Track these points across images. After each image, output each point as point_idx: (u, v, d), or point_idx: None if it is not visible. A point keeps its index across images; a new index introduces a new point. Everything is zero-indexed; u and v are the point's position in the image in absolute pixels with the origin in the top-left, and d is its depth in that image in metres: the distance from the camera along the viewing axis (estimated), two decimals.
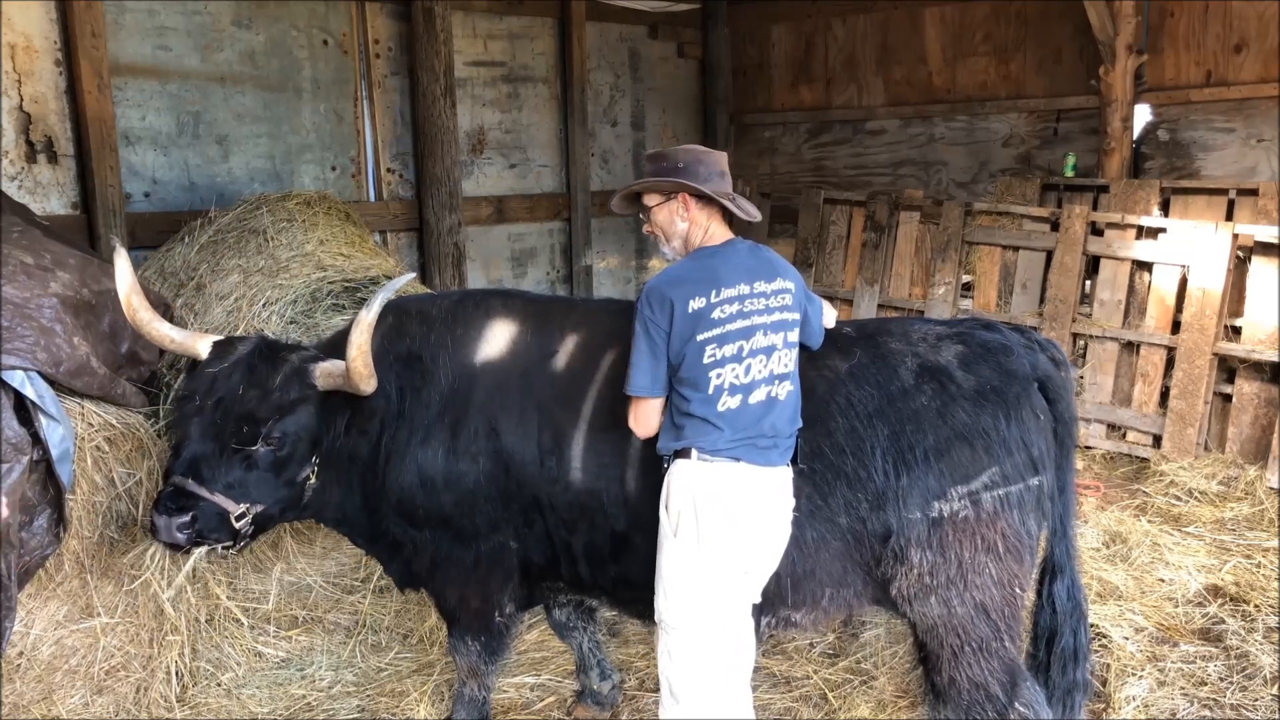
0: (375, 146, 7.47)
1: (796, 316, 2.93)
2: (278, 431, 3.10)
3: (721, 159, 3.00)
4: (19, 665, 3.54)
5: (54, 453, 3.45)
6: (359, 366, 3.03)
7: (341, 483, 3.39)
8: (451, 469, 3.20)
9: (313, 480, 3.24)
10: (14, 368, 3.38)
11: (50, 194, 5.87)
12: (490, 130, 8.27)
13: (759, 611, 3.01)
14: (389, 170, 7.59)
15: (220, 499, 3.04)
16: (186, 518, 3.02)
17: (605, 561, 3.18)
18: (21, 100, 5.72)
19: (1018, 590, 2.95)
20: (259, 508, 3.12)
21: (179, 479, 3.05)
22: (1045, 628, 3.16)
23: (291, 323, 4.96)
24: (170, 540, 3.05)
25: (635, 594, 3.05)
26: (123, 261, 3.24)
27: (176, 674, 3.87)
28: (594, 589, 3.32)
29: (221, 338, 3.31)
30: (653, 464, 2.95)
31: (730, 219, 3.03)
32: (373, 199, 7.50)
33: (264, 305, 4.98)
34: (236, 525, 3.08)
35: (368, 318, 3.00)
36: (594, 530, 3.14)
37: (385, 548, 3.47)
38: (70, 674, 3.62)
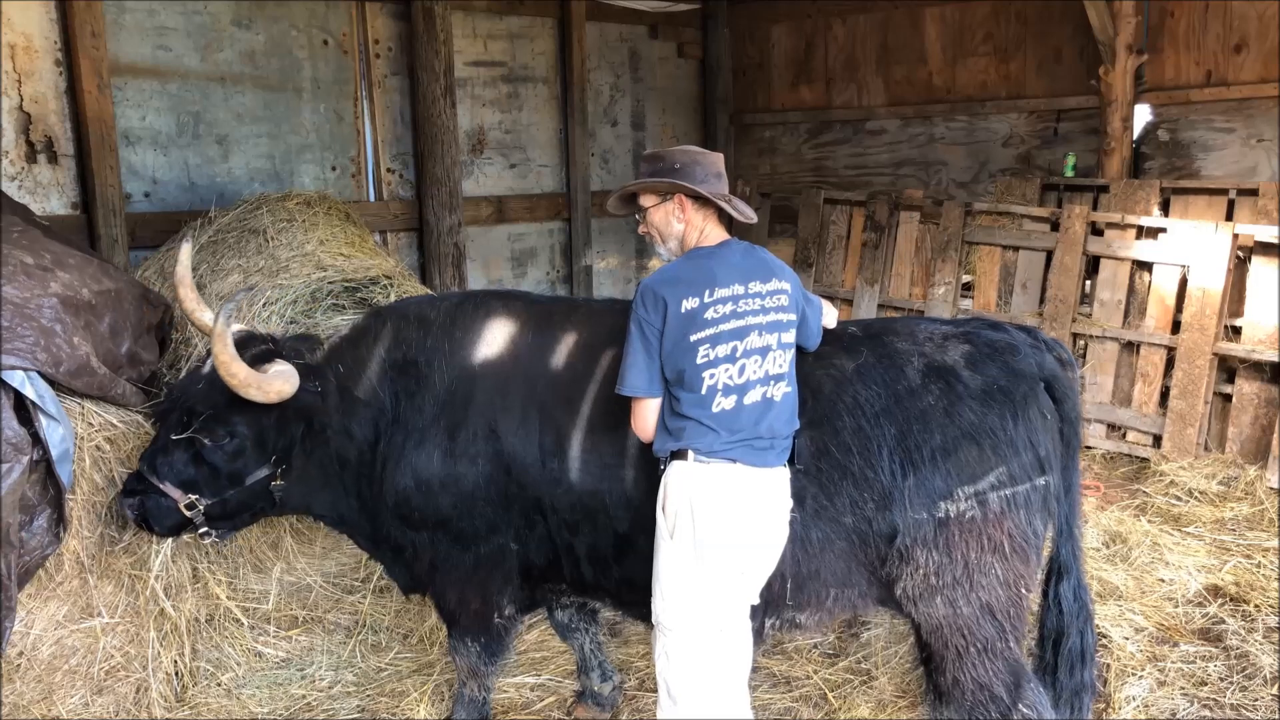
0: (375, 146, 7.47)
1: (793, 317, 2.92)
2: (209, 429, 3.25)
3: (718, 160, 2.99)
4: (19, 665, 3.54)
5: (54, 453, 3.45)
6: (227, 376, 3.08)
7: (332, 486, 3.44)
8: (449, 471, 3.20)
9: (279, 482, 3.33)
10: (14, 368, 3.38)
11: (50, 194, 5.87)
12: (490, 130, 8.27)
13: (763, 613, 3.01)
14: (389, 170, 7.59)
15: (168, 488, 3.30)
16: (133, 500, 3.36)
17: (609, 563, 3.18)
18: (21, 100, 5.72)
19: (1023, 591, 2.94)
20: (207, 501, 3.32)
21: (140, 465, 3.39)
22: (1052, 629, 3.15)
23: (291, 323, 4.96)
24: (123, 514, 3.42)
25: (639, 596, 3.03)
26: (186, 252, 3.55)
27: (176, 674, 3.88)
28: (597, 591, 3.31)
29: (244, 331, 3.44)
30: (656, 465, 2.94)
31: (728, 221, 3.02)
32: (373, 199, 7.50)
33: (264, 305, 4.98)
34: (187, 514, 3.31)
35: (216, 328, 3.06)
36: (597, 532, 3.13)
37: (389, 550, 3.48)
38: (70, 674, 3.62)
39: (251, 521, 3.66)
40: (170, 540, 3.74)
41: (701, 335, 2.76)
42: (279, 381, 3.16)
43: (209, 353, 3.38)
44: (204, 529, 3.39)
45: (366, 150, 7.43)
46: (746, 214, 2.98)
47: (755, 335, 2.81)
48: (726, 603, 2.81)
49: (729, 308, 2.79)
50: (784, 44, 9.71)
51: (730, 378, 2.78)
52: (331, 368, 3.41)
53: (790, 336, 2.91)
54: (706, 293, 2.78)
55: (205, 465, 3.29)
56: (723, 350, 2.77)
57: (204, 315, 3.57)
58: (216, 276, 5.23)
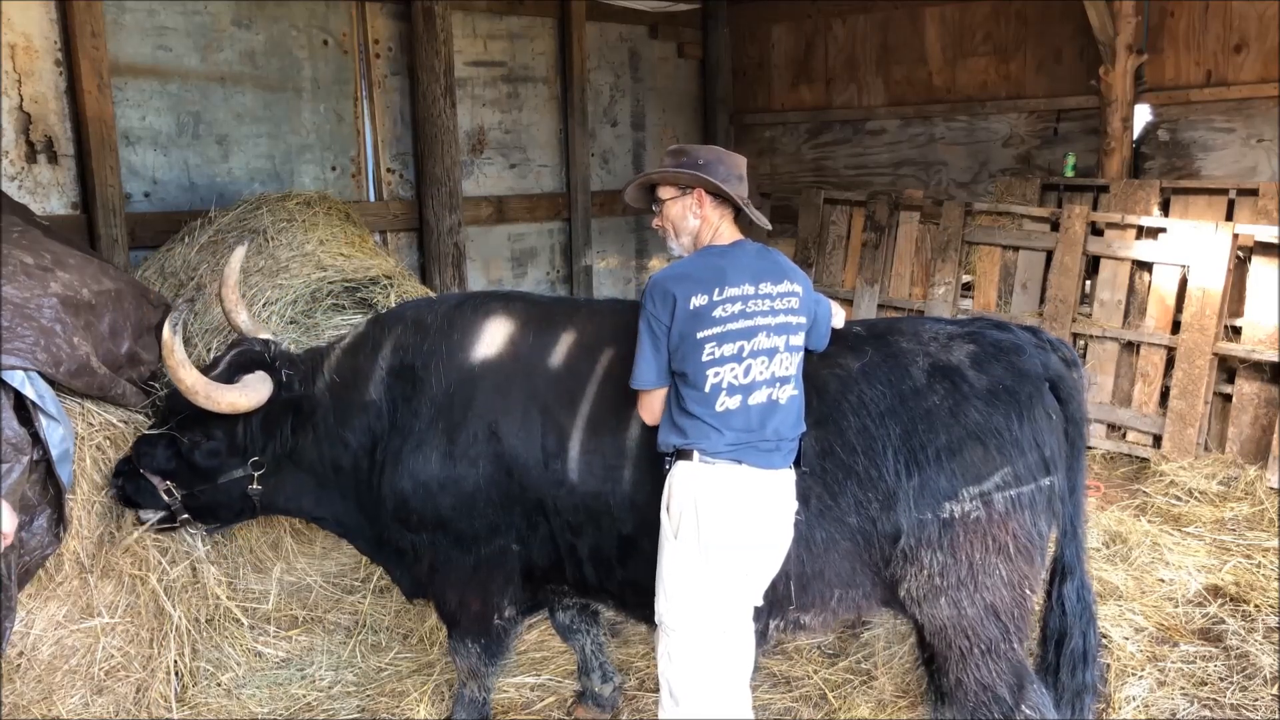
0: (375, 146, 7.46)
1: (802, 320, 2.91)
2: (185, 428, 3.42)
3: (741, 163, 3.00)
4: (19, 665, 3.54)
5: (54, 453, 3.45)
6: (175, 381, 3.23)
7: (327, 489, 3.49)
8: (449, 473, 3.20)
9: (256, 486, 3.43)
10: (14, 368, 3.38)
11: (50, 194, 5.87)
12: (490, 130, 8.27)
13: (767, 614, 3.00)
14: (389, 170, 7.58)
15: (147, 473, 3.52)
16: (119, 480, 3.61)
17: (612, 565, 3.17)
18: (21, 100, 5.71)
19: (1027, 592, 2.94)
20: (182, 491, 3.51)
21: (130, 451, 3.61)
22: (1055, 629, 3.14)
23: (291, 323, 4.96)
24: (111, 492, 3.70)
25: (643, 599, 3.02)
26: (238, 255, 3.76)
27: (176, 674, 3.87)
28: (601, 593, 3.31)
29: (264, 339, 3.59)
30: (660, 466, 2.93)
31: (745, 223, 3.03)
32: (373, 199, 7.49)
33: (264, 305, 4.98)
34: (165, 499, 3.52)
35: (164, 335, 3.18)
36: (600, 533, 3.13)
37: (391, 554, 3.49)
38: (70, 674, 3.61)
39: (234, 520, 3.77)
40: (151, 530, 3.78)
41: (708, 333, 2.75)
42: (233, 393, 3.27)
43: (217, 358, 3.47)
44: (184, 516, 3.57)
45: (366, 150, 7.42)
46: (762, 220, 3.03)
47: (763, 336, 2.80)
48: (730, 604, 2.81)
49: (738, 307, 2.79)
50: (784, 44, 9.71)
51: (735, 377, 2.77)
52: (327, 379, 3.44)
53: (799, 339, 2.90)
54: (716, 291, 2.78)
55: (181, 460, 3.48)
56: (729, 349, 2.76)
57: (240, 317, 3.73)
58: (217, 276, 5.22)
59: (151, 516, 3.65)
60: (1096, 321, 6.60)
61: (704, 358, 2.76)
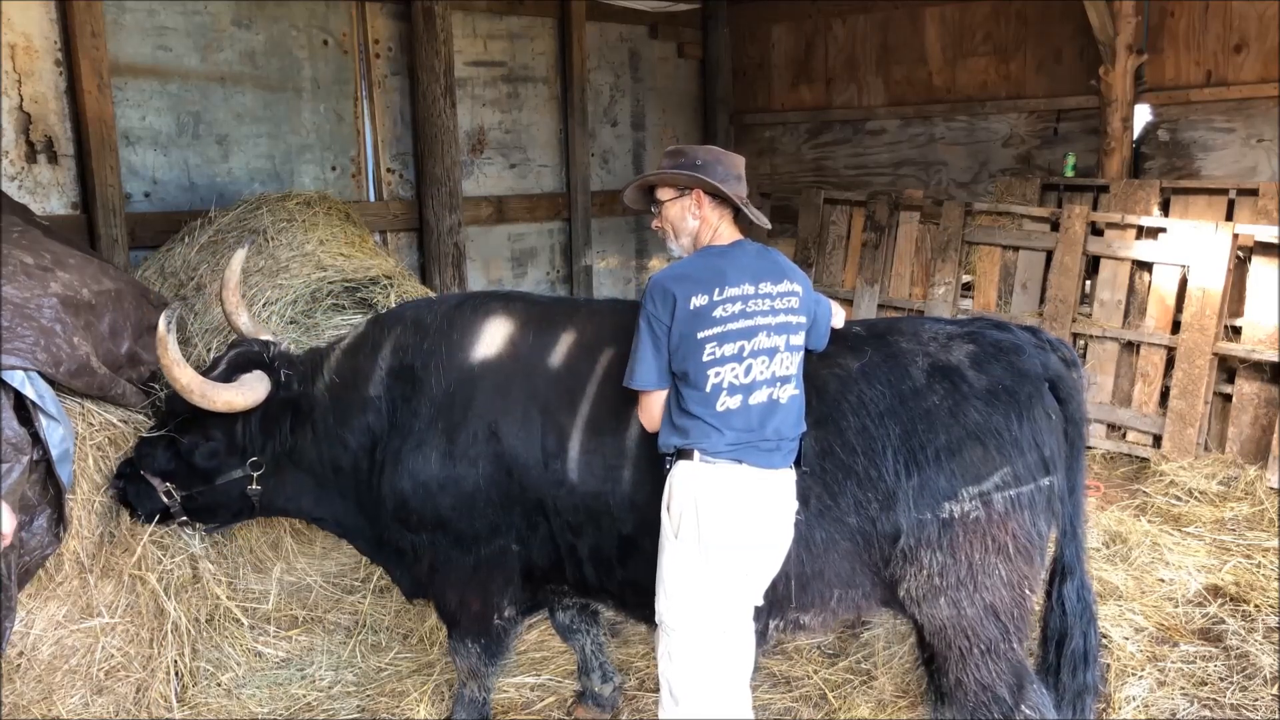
0: (375, 146, 7.47)
1: (802, 320, 2.91)
2: (184, 430, 3.43)
3: (739, 162, 3.00)
4: (19, 665, 3.54)
5: (54, 453, 3.45)
6: (170, 380, 3.25)
7: (327, 489, 3.50)
8: (449, 473, 3.20)
9: (255, 487, 3.45)
10: (14, 368, 3.38)
11: (50, 194, 5.87)
12: (490, 130, 8.27)
13: (767, 614, 3.00)
14: (389, 170, 7.58)
15: (147, 475, 3.53)
16: (120, 481, 3.63)
17: (612, 565, 3.17)
18: (21, 100, 5.71)
19: (1027, 592, 2.94)
20: (181, 492, 3.52)
21: (131, 453, 3.64)
22: (1055, 630, 3.14)
23: (291, 323, 4.97)
24: (112, 495, 3.72)
25: (643, 599, 3.02)
26: (239, 257, 3.77)
27: (176, 674, 3.87)
28: (601, 593, 3.31)
29: (264, 339, 3.59)
30: (660, 466, 2.93)
31: (745, 223, 3.03)
32: (373, 199, 7.49)
33: (264, 305, 4.98)
34: (165, 500, 3.53)
35: (159, 333, 3.18)
36: (600, 533, 3.13)
37: (392, 554, 3.49)
38: (70, 674, 3.61)
39: (233, 521, 3.78)
40: (153, 527, 3.78)
41: (709, 333, 2.76)
42: (229, 392, 3.27)
43: (216, 358, 3.47)
44: (183, 518, 3.60)
45: (366, 150, 7.42)
46: (761, 220, 3.01)
47: (763, 336, 2.81)
48: (730, 603, 2.81)
49: (738, 307, 2.79)
50: (784, 44, 9.71)
51: (736, 377, 2.77)
52: (326, 380, 3.44)
53: (799, 339, 2.90)
54: (716, 291, 2.78)
55: (180, 461, 3.49)
56: (729, 349, 2.77)
57: (240, 318, 3.72)
58: (216, 276, 5.22)
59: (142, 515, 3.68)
60: (1096, 321, 6.60)
61: (704, 358, 2.76)
